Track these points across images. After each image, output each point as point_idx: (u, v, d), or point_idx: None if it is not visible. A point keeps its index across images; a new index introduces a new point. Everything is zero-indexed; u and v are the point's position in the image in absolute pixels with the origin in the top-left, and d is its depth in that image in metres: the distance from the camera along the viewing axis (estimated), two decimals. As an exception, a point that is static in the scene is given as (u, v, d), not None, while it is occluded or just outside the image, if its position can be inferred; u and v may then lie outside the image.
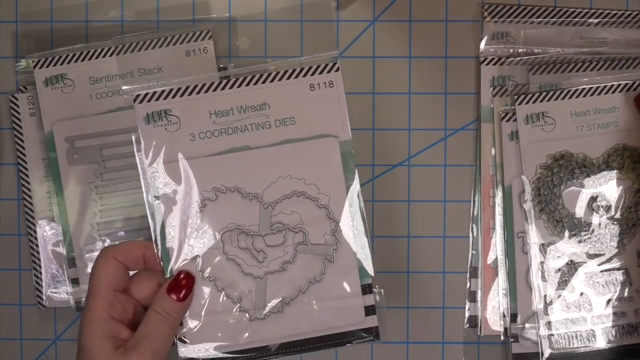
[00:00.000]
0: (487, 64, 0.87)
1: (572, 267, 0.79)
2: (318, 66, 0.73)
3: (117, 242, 0.81)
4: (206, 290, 0.72)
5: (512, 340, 0.81)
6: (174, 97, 0.72)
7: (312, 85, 0.73)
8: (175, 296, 0.70)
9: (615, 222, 0.80)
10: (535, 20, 0.85)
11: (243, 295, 0.72)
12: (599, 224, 0.80)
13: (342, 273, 0.72)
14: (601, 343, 0.79)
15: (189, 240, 0.72)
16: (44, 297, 0.89)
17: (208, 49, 0.87)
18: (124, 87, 0.72)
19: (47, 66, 0.86)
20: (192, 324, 0.72)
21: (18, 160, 0.89)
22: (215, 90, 0.72)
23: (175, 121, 0.72)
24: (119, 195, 0.87)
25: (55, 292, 0.89)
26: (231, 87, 0.72)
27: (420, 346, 0.88)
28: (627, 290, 0.79)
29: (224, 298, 0.72)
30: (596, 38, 0.85)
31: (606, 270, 0.80)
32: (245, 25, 0.89)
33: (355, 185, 0.72)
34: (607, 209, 0.81)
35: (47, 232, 0.88)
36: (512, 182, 0.83)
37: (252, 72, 0.73)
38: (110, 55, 0.85)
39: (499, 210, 0.83)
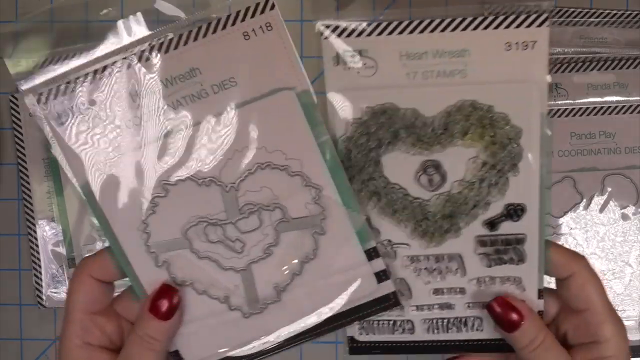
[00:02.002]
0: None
1: (389, 247, 0.63)
2: (248, 9, 0.61)
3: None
4: (185, 297, 0.63)
5: None
6: (81, 86, 0.62)
7: (246, 34, 0.61)
8: (157, 315, 0.60)
9: (450, 200, 0.63)
10: (535, 20, 0.85)
11: (229, 293, 0.63)
12: (429, 201, 0.62)
13: (338, 243, 0.63)
14: (420, 335, 0.64)
15: (150, 247, 0.62)
16: (44, 297, 0.90)
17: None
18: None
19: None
20: (180, 338, 0.64)
21: (18, 160, 0.90)
22: (130, 67, 0.61)
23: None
24: (117, 194, 0.86)
25: (55, 292, 0.90)
26: (147, 59, 0.61)
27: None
28: (459, 280, 0.63)
29: (209, 300, 0.63)
30: (596, 38, 0.85)
31: (434, 255, 0.63)
32: (244, 25, 0.89)
33: (328, 141, 0.62)
34: (440, 183, 0.62)
35: (47, 232, 0.90)
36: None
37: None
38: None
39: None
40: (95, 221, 0.62)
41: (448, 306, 0.64)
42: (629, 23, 0.85)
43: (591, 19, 0.85)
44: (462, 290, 0.63)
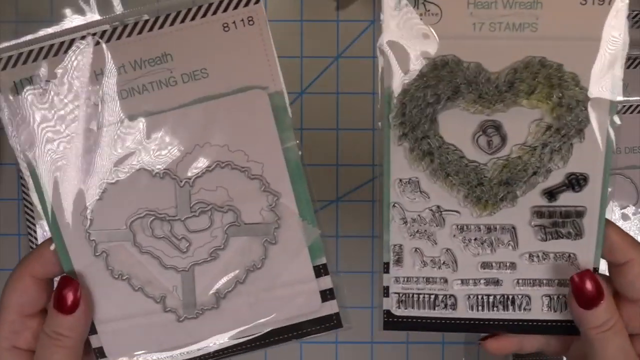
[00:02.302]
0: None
1: (437, 214, 0.59)
2: (232, 0, 0.57)
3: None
4: (119, 292, 0.60)
5: (385, 295, 0.61)
6: (45, 57, 0.57)
7: (225, 25, 0.57)
8: (61, 309, 0.57)
9: (508, 166, 0.58)
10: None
11: (167, 293, 0.60)
12: (486, 165, 0.58)
13: (288, 255, 0.60)
14: (463, 312, 0.60)
15: (90, 235, 0.59)
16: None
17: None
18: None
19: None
20: (107, 336, 0.61)
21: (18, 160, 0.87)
22: (98, 44, 0.57)
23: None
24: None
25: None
26: (119, 37, 0.57)
27: (420, 346, 0.87)
28: (510, 253, 0.59)
29: (143, 299, 0.60)
30: None
31: (486, 225, 0.59)
32: (244, 26, 0.88)
33: (294, 147, 0.59)
34: (500, 146, 0.58)
35: (47, 232, 0.87)
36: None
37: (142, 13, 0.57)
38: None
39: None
40: (37, 202, 0.58)
41: (495, 282, 0.59)
42: (629, 23, 0.84)
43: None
44: (512, 266, 0.59)
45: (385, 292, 0.60)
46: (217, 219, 0.59)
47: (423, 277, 0.60)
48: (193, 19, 0.56)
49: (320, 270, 0.60)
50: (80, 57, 0.57)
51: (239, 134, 0.58)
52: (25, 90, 0.57)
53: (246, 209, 0.59)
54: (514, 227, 0.59)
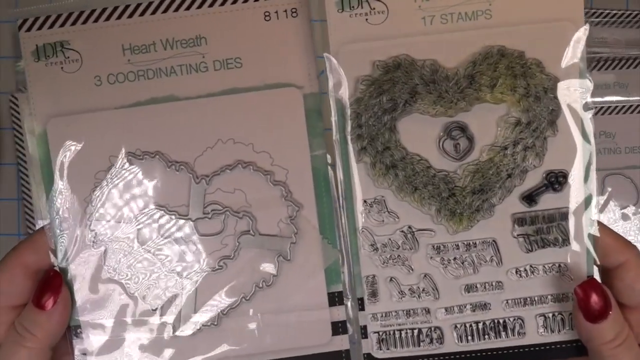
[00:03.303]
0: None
1: (410, 235, 0.54)
2: None
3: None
4: (113, 294, 0.56)
5: (363, 336, 0.56)
6: (73, 24, 0.55)
7: (267, 14, 0.55)
8: (37, 304, 0.54)
9: (479, 171, 0.53)
10: (535, 20, 0.85)
11: (165, 301, 0.56)
12: (455, 172, 0.54)
13: (302, 276, 0.56)
14: (451, 345, 0.55)
15: (91, 224, 0.55)
16: (43, 298, 0.86)
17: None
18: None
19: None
20: (93, 341, 0.56)
21: (18, 160, 0.88)
22: (131, 16, 0.54)
23: (76, 58, 0.55)
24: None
25: (54, 292, 0.86)
26: (154, 12, 0.54)
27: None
28: (494, 271, 0.54)
29: (139, 305, 0.56)
30: (596, 38, 0.85)
31: (464, 242, 0.54)
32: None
33: (324, 156, 0.55)
34: (468, 149, 0.53)
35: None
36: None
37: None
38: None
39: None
40: (35, 176, 0.55)
41: (483, 306, 0.55)
42: (629, 23, 0.85)
43: (591, 19, 0.84)
44: (499, 285, 0.54)
45: (363, 332, 0.55)
46: (230, 224, 0.55)
47: (403, 310, 0.55)
48: (234, 2, 0.54)
49: (334, 299, 0.55)
50: (108, 30, 0.54)
51: (266, 134, 0.55)
52: (44, 57, 0.54)
53: (263, 217, 0.55)
54: (495, 241, 0.54)
